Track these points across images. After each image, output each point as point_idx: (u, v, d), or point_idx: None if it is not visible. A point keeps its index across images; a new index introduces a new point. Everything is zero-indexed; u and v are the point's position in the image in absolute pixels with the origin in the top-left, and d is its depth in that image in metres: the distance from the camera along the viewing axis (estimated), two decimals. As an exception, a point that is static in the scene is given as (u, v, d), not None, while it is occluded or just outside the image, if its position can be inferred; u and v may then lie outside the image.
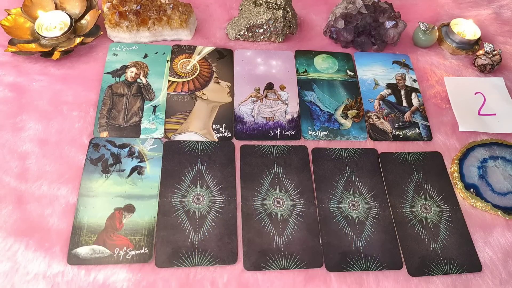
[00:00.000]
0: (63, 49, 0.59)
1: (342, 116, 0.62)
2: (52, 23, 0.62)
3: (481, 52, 0.71)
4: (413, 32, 0.74)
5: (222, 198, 0.52)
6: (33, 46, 0.60)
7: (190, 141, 0.56)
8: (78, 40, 0.60)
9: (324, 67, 0.68)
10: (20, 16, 0.62)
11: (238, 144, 0.57)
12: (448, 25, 0.75)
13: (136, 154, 0.54)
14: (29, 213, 0.48)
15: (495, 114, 0.66)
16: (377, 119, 0.63)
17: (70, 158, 0.53)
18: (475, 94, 0.69)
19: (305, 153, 0.57)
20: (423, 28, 0.72)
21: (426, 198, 0.56)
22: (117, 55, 0.63)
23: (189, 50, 0.66)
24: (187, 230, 0.49)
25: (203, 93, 0.61)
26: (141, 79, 0.61)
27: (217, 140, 0.57)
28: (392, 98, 0.66)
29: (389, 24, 0.68)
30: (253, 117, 0.60)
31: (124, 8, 0.63)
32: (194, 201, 0.51)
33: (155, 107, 0.59)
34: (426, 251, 0.51)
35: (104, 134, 0.55)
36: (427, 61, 0.72)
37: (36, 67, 0.60)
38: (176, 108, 0.59)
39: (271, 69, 0.66)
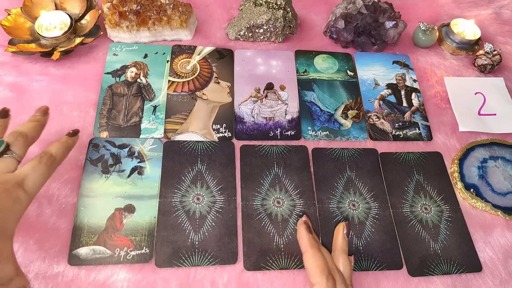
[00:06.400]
0: (63, 49, 0.59)
1: (342, 116, 0.62)
2: (52, 23, 0.62)
3: (481, 52, 0.71)
4: (413, 32, 0.74)
5: (222, 198, 0.52)
6: (33, 46, 0.60)
7: (190, 141, 0.56)
8: (78, 40, 0.60)
9: (324, 67, 0.68)
10: (20, 16, 0.62)
11: (238, 144, 0.57)
12: (448, 25, 0.75)
13: (136, 154, 0.54)
14: (29, 213, 0.48)
15: (495, 114, 0.66)
16: (377, 119, 0.63)
17: (70, 158, 0.52)
18: (475, 94, 0.69)
19: (305, 153, 0.57)
20: (423, 28, 0.72)
21: (426, 198, 0.56)
22: (117, 55, 0.63)
23: (189, 50, 0.66)
24: (187, 230, 0.49)
25: (203, 93, 0.61)
26: (141, 79, 0.61)
27: (217, 140, 0.57)
28: (392, 98, 0.66)
29: (389, 24, 0.68)
30: (253, 117, 0.60)
31: (124, 8, 0.63)
32: (194, 201, 0.51)
33: (155, 107, 0.59)
34: (426, 251, 0.51)
35: (104, 134, 0.55)
36: (427, 61, 0.72)
37: (36, 67, 0.60)
38: (176, 108, 0.59)
39: (271, 69, 0.66)
